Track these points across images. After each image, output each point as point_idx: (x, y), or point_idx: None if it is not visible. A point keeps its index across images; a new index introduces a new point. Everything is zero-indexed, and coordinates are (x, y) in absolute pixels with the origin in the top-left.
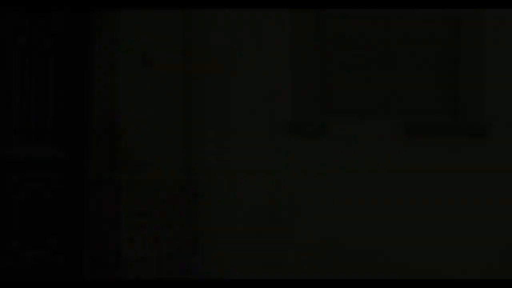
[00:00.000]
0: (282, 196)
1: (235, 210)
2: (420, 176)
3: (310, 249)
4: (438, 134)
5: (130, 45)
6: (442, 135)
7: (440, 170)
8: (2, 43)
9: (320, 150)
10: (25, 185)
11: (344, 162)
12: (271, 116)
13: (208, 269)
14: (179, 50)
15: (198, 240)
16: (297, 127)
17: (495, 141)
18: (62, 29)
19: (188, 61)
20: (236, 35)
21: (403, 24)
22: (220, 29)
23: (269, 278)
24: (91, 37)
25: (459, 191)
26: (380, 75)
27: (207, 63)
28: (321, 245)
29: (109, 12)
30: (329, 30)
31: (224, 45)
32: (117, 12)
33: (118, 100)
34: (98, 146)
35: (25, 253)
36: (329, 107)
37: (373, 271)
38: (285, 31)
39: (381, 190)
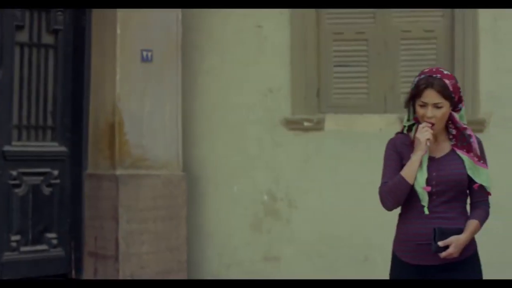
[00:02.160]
0: (279, 189)
1: (233, 204)
2: None
3: (306, 243)
4: None
5: (129, 42)
6: None
7: None
8: (3, 39)
9: (317, 145)
10: (24, 180)
11: (341, 157)
12: (269, 110)
13: (207, 263)
14: (177, 46)
15: (196, 234)
16: (295, 122)
17: (491, 136)
18: (62, 26)
19: (185, 57)
20: (235, 32)
21: (400, 21)
22: (219, 25)
23: (267, 272)
24: (91, 34)
25: None
26: (377, 70)
27: (205, 59)
28: (317, 238)
29: (108, 9)
30: (327, 27)
31: (223, 41)
32: (117, 9)
33: (117, 96)
34: (97, 141)
35: (25, 248)
36: (326, 102)
37: (371, 267)
38: (284, 28)
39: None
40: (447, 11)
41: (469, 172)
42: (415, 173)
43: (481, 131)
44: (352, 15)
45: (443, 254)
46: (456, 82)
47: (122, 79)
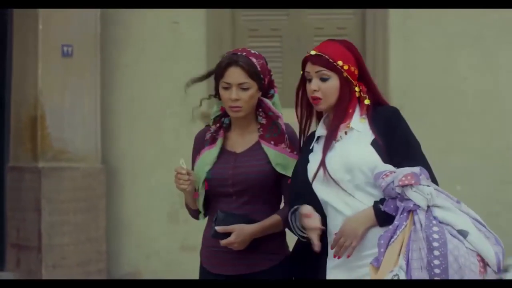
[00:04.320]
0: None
1: (151, 195)
2: None
3: None
4: None
5: (51, 37)
6: None
7: None
8: None
9: None
10: None
11: None
12: (186, 104)
13: (126, 253)
14: (96, 42)
15: (115, 225)
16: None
17: None
18: None
19: (104, 52)
20: (152, 27)
21: (313, 18)
22: (137, 21)
23: (185, 261)
24: (13, 28)
25: None
26: (292, 66)
27: (124, 56)
28: None
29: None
30: (242, 23)
31: (141, 37)
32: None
33: (39, 90)
34: (19, 134)
35: None
36: None
37: None
38: (200, 24)
39: None
40: (359, 9)
41: (278, 168)
42: (192, 201)
43: None
44: (267, 12)
45: (223, 242)
46: (266, 63)
47: (44, 73)
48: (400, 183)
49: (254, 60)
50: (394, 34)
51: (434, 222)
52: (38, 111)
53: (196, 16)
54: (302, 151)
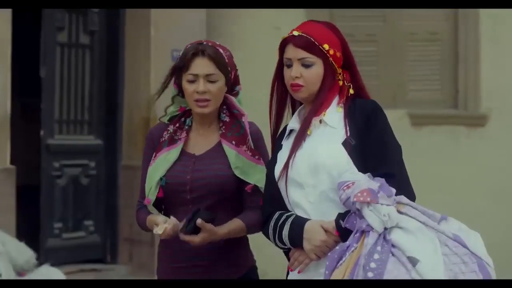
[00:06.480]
0: None
1: None
2: (424, 161)
3: None
4: (440, 123)
5: (161, 42)
6: (444, 124)
7: (442, 156)
8: (46, 40)
9: None
10: (65, 172)
11: None
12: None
13: None
14: None
15: None
16: None
17: (491, 130)
18: (97, 27)
19: None
20: (255, 35)
21: (408, 24)
22: (240, 29)
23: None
24: (125, 34)
25: (459, 176)
26: (387, 69)
27: None
28: None
29: (141, 11)
30: (341, 28)
31: (243, 44)
32: (150, 12)
33: (150, 92)
34: (132, 134)
35: (66, 234)
36: None
37: None
38: None
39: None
40: (451, 15)
41: (237, 172)
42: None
43: (482, 125)
44: (363, 18)
45: (186, 237)
46: (232, 56)
47: (156, 77)
48: (355, 199)
49: (221, 51)
50: (485, 38)
51: (379, 248)
52: (151, 113)
53: (296, 21)
54: (275, 147)
